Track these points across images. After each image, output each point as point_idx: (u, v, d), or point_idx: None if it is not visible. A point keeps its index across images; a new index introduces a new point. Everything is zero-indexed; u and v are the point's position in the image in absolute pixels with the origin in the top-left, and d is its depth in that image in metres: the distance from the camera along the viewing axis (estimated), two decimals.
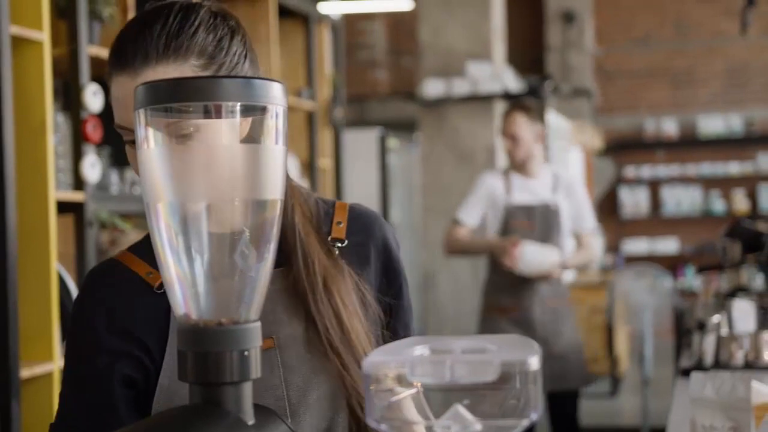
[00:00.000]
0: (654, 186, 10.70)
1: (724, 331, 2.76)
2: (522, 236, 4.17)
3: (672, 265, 10.04)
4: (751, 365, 2.61)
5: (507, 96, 6.34)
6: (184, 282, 0.83)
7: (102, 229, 3.14)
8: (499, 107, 6.33)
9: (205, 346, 0.82)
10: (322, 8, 4.99)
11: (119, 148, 1.85)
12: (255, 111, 0.84)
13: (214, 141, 0.95)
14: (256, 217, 0.85)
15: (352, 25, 10.32)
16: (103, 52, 3.00)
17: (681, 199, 10.58)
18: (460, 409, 0.76)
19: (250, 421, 0.83)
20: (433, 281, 6.71)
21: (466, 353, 0.79)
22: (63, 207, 2.95)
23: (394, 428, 0.78)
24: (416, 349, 0.81)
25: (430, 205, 6.71)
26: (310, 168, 4.84)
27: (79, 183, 3.01)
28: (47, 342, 2.77)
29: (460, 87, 6.59)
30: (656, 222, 10.68)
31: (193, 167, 0.84)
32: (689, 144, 10.58)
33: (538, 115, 4.29)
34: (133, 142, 1.19)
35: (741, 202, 10.41)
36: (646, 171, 10.65)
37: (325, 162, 5.04)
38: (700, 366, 2.65)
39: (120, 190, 3.30)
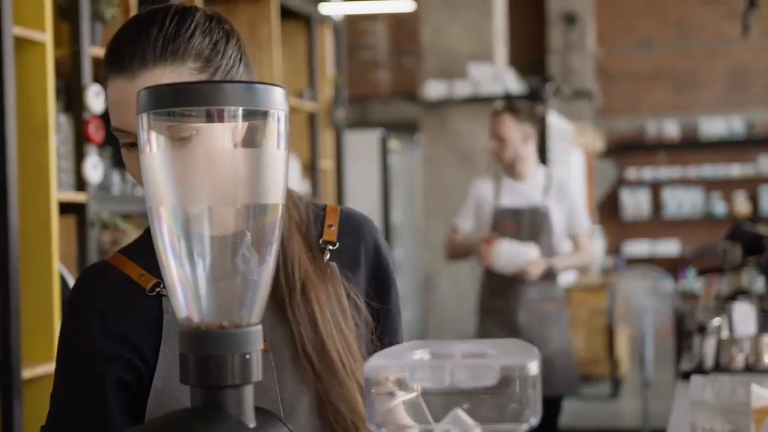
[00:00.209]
0: (655, 188, 10.70)
1: (725, 334, 2.77)
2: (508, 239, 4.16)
3: (673, 267, 10.04)
4: (752, 368, 2.61)
5: (508, 98, 6.34)
6: (186, 285, 0.83)
7: (104, 230, 3.14)
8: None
9: (206, 349, 0.82)
10: (324, 9, 4.99)
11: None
12: (257, 115, 0.84)
13: (216, 145, 0.95)
14: (257, 221, 0.85)
15: (354, 26, 10.32)
16: None
17: (682, 201, 10.57)
18: (460, 413, 0.77)
19: (252, 424, 0.83)
20: (433, 282, 6.72)
21: (466, 357, 0.79)
22: (65, 207, 2.95)
23: None
24: (416, 353, 0.81)
25: (431, 207, 6.72)
26: (311, 169, 4.85)
27: (81, 184, 3.02)
28: (49, 342, 2.77)
29: (462, 88, 6.59)
30: (657, 224, 10.68)
31: (195, 171, 0.84)
32: (690, 146, 10.58)
33: (527, 117, 4.26)
34: (130, 145, 1.19)
35: (742, 205, 10.41)
36: (648, 173, 10.65)
37: (326, 163, 5.05)
38: (700, 369, 2.65)
39: (122, 190, 3.30)
